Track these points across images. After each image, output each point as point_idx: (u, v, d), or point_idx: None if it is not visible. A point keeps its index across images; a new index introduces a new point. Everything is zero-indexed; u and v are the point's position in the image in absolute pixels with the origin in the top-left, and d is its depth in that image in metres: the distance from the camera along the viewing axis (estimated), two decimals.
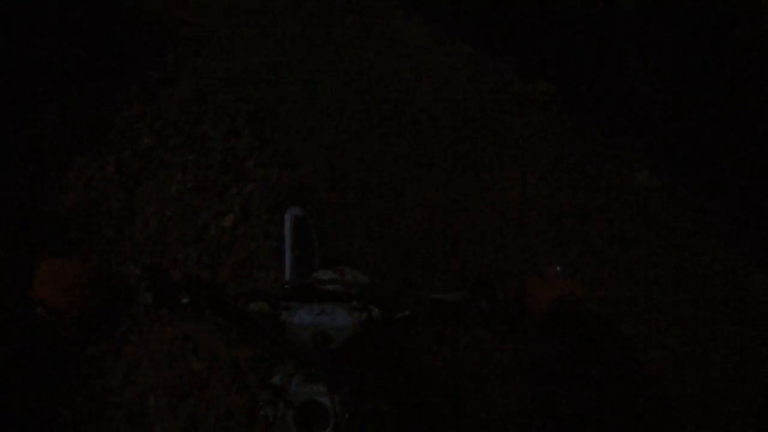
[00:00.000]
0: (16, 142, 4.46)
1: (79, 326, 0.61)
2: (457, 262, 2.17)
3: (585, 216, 2.34)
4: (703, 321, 2.09)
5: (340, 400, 0.70)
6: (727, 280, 2.23)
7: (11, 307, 0.58)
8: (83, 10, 4.99)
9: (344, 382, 0.74)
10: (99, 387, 1.97)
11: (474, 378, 1.87)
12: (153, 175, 2.83)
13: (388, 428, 0.88)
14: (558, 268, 0.77)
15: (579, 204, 2.39)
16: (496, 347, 1.88)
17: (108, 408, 1.94)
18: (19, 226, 3.46)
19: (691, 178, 2.36)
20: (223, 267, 2.15)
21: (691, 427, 1.85)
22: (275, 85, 3.09)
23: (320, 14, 3.82)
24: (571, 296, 0.72)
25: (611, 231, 2.30)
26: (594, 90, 2.53)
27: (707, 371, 1.98)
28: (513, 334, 0.79)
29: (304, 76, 3.18)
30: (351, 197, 2.41)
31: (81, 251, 2.79)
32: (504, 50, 2.83)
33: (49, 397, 0.56)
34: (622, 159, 2.53)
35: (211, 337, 1.98)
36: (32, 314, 0.57)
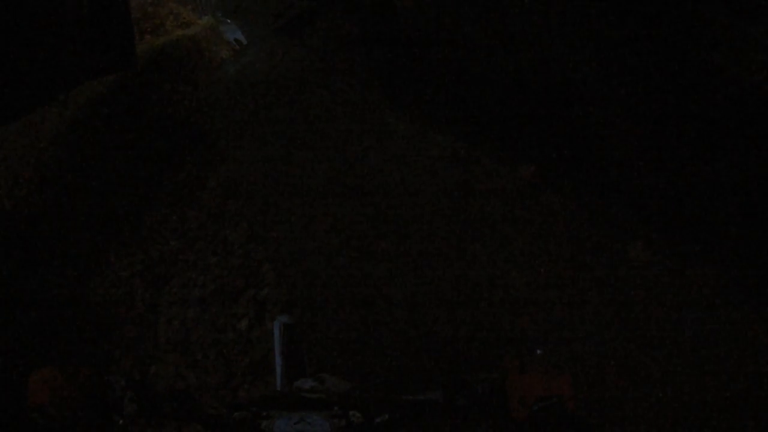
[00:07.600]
0: (46, 229, 4.79)
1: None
2: (441, 356, 2.21)
3: (577, 296, 2.29)
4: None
5: None
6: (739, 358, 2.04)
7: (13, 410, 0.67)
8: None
9: None
10: None
11: None
12: (178, 276, 3.10)
13: None
14: (538, 351, 0.75)
15: (571, 284, 2.34)
16: None
17: None
18: (39, 319, 3.67)
19: (686, 246, 2.23)
20: (238, 369, 2.35)
21: None
22: (281, 193, 3.42)
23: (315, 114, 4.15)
24: (553, 395, 0.69)
25: (606, 310, 2.21)
26: (577, 165, 2.39)
27: None
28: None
29: (301, 180, 3.48)
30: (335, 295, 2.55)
31: (92, 352, 2.95)
32: (483, 138, 2.89)
33: None
34: (614, 233, 2.43)
35: None
36: (30, 419, 0.65)
